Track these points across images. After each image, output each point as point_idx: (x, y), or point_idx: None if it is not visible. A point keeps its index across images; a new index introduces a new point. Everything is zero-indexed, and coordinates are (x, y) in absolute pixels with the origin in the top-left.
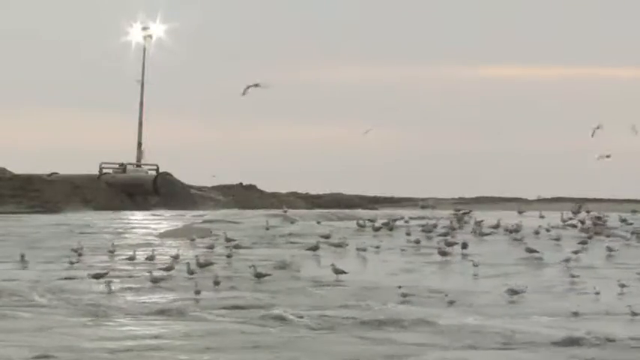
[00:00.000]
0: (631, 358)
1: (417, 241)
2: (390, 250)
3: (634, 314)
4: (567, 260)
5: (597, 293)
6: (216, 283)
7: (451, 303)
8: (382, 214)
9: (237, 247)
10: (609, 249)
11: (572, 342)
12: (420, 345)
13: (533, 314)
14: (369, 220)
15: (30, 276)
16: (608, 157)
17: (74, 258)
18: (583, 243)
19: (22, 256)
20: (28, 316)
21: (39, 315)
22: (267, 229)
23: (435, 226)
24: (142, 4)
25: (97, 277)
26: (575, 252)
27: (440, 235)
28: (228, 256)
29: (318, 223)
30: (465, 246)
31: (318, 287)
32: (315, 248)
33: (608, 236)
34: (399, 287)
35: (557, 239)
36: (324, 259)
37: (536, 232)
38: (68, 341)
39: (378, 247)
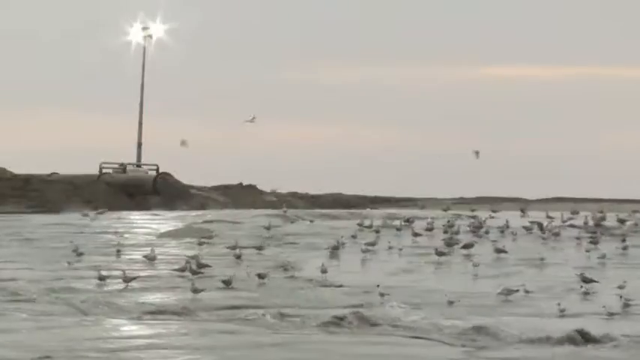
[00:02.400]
0: (623, 357)
1: (450, 241)
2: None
3: (610, 314)
4: (602, 257)
5: (587, 293)
6: (227, 282)
7: (451, 303)
8: (380, 214)
9: (259, 247)
10: (623, 248)
11: (563, 342)
12: (401, 345)
13: (525, 314)
14: (405, 219)
15: (29, 276)
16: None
17: (73, 258)
18: (594, 243)
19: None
20: (27, 316)
21: (37, 315)
22: (269, 228)
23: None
24: (142, 4)
25: (101, 278)
26: (587, 250)
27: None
28: (237, 257)
29: (312, 222)
30: (469, 246)
31: (317, 288)
32: (336, 248)
33: (623, 240)
34: (378, 286)
35: (579, 238)
36: (344, 258)
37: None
38: (66, 341)
39: (401, 249)
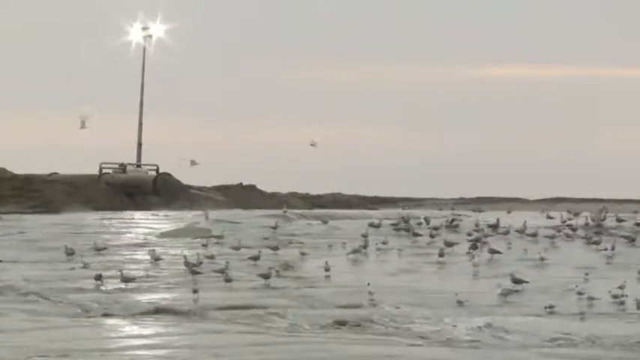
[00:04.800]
0: (618, 356)
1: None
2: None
3: (581, 314)
4: (610, 257)
5: (580, 293)
6: (228, 280)
7: (460, 303)
8: (381, 214)
9: (275, 248)
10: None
11: (559, 341)
12: (400, 345)
13: (524, 314)
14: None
15: (29, 276)
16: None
17: (72, 258)
18: (597, 243)
19: None
20: (26, 316)
21: (36, 315)
22: (275, 228)
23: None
24: (142, 4)
25: (98, 278)
26: (605, 249)
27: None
28: (255, 259)
29: (326, 222)
30: (475, 246)
31: (316, 288)
32: (357, 251)
33: (632, 239)
34: (368, 284)
35: (587, 238)
36: (347, 258)
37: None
38: (64, 341)
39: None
